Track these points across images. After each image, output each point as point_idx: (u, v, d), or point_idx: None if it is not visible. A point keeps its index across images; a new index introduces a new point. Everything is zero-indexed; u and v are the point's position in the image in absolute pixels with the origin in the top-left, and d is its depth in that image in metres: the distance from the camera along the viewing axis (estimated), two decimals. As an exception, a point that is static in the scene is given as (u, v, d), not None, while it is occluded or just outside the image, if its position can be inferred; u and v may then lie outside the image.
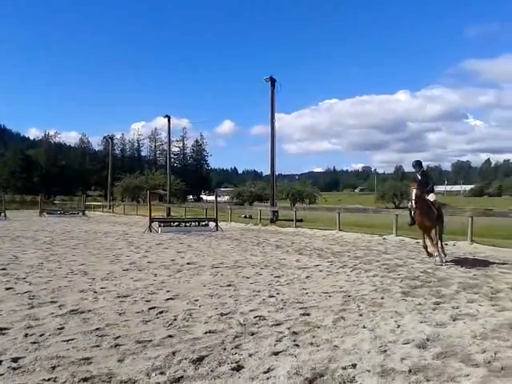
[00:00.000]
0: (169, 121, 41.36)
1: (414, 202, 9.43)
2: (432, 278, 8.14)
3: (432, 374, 3.70)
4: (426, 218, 9.68)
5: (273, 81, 27.91)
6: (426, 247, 10.26)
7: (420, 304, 6.17)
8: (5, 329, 4.92)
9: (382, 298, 6.56)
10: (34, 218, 31.73)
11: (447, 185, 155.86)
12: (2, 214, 30.28)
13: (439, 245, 10.09)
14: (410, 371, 3.76)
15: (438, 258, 9.75)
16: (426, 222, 9.76)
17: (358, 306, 6.07)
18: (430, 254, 10.20)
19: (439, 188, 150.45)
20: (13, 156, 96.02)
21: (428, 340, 4.59)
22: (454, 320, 5.36)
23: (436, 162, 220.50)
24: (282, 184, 62.28)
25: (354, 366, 3.89)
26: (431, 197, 10.03)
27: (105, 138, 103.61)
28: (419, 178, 10.09)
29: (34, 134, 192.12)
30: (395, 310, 5.88)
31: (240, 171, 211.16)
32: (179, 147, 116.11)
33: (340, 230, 19.59)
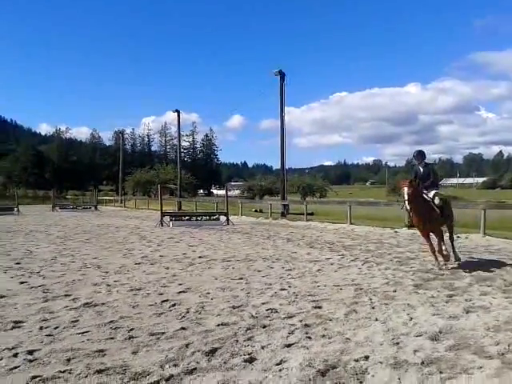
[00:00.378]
0: (178, 115, 41.43)
1: (407, 202, 8.04)
2: (445, 271, 8.09)
3: (445, 366, 3.69)
4: (425, 219, 8.33)
5: (282, 74, 27.82)
6: (434, 251, 8.64)
7: (433, 297, 6.15)
8: (20, 322, 4.99)
9: (395, 291, 6.54)
10: (46, 213, 32.06)
11: (459, 177, 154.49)
12: (16, 209, 30.65)
13: (444, 246, 8.53)
14: (422, 363, 3.76)
15: (442, 260, 8.46)
16: (425, 225, 8.45)
17: (370, 299, 6.07)
18: (445, 258, 8.45)
19: (451, 181, 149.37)
20: (24, 152, 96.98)
21: (441, 332, 4.57)
22: (466, 312, 5.33)
23: (448, 154, 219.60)
24: (292, 178, 62.05)
25: (366, 358, 3.90)
26: (432, 194, 8.60)
27: (115, 132, 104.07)
28: (421, 170, 8.95)
29: (45, 129, 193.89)
30: (407, 302, 5.86)
31: (250, 165, 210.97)
32: (189, 142, 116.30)
33: (351, 223, 19.54)
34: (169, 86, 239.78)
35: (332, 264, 9.12)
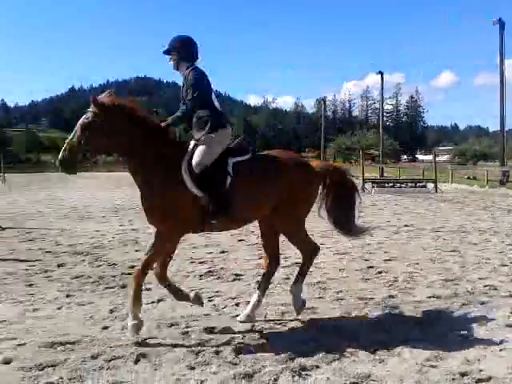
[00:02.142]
0: (382, 77, 39.96)
1: (60, 158, 3.55)
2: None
3: None
4: (149, 201, 3.73)
5: (502, 23, 24.32)
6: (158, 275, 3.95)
7: None
8: (240, 275, 5.59)
9: None
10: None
11: None
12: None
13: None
14: None
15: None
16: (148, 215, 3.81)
17: None
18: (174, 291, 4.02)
19: None
20: (238, 122, 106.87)
21: None
22: None
23: None
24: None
25: None
26: (200, 151, 3.77)
27: (317, 100, 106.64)
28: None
29: (254, 100, 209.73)
30: None
31: (461, 127, 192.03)
32: (392, 104, 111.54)
33: None
34: (371, 47, 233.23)
35: None
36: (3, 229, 9.15)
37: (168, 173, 3.66)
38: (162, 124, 3.84)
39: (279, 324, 3.92)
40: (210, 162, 3.71)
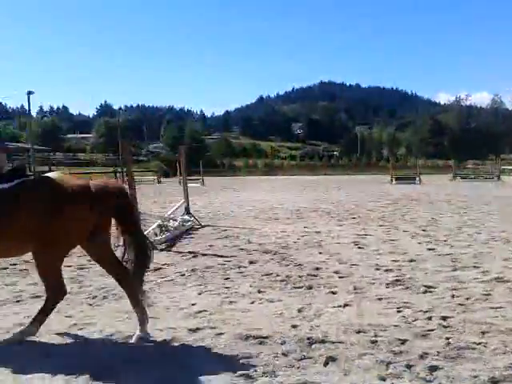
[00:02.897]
0: None
1: None
2: None
3: None
4: None
5: None
6: None
7: None
8: (431, 287, 5.19)
9: None
10: (446, 183, 32.34)
11: None
12: (418, 179, 32.14)
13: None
14: None
15: None
16: None
17: None
18: None
19: None
20: (423, 122, 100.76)
21: None
22: None
23: None
24: None
25: None
26: None
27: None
28: None
29: (444, 98, 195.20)
30: None
31: None
32: None
33: None
34: None
35: None
36: (202, 226, 10.25)
37: None
38: None
39: (478, 344, 3.54)
40: None
